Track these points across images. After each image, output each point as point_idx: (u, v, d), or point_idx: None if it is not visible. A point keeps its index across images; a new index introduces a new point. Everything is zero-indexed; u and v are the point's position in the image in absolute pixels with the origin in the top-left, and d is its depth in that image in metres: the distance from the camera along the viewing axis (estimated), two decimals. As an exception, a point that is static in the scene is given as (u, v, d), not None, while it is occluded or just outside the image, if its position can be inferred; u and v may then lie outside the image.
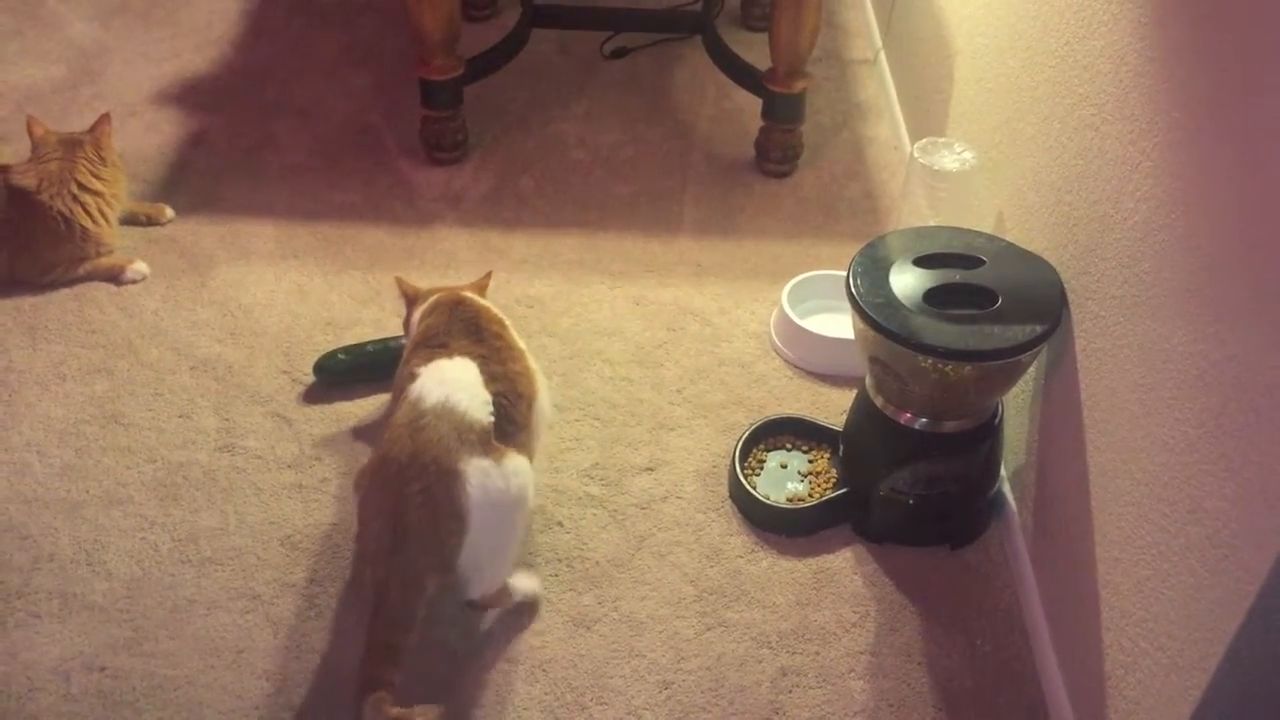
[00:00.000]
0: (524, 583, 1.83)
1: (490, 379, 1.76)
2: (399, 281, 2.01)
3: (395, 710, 1.54)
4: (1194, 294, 1.36)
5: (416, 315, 1.93)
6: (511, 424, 1.75)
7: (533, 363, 1.87)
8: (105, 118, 2.45)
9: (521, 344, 1.89)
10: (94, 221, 2.37)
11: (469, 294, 1.94)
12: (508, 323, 1.91)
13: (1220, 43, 1.33)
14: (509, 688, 1.75)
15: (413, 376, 1.75)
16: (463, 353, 1.79)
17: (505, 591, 1.79)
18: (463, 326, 1.85)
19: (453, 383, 1.72)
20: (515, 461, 1.71)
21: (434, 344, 1.82)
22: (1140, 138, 1.51)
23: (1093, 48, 1.67)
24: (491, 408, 1.72)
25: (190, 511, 1.97)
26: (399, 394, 1.78)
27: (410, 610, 1.63)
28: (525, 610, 1.84)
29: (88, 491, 2.00)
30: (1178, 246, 1.40)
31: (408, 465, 1.64)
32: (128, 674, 1.75)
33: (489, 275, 2.03)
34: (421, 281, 2.03)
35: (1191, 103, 1.39)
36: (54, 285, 2.38)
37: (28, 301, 2.35)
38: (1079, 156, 1.71)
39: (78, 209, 2.35)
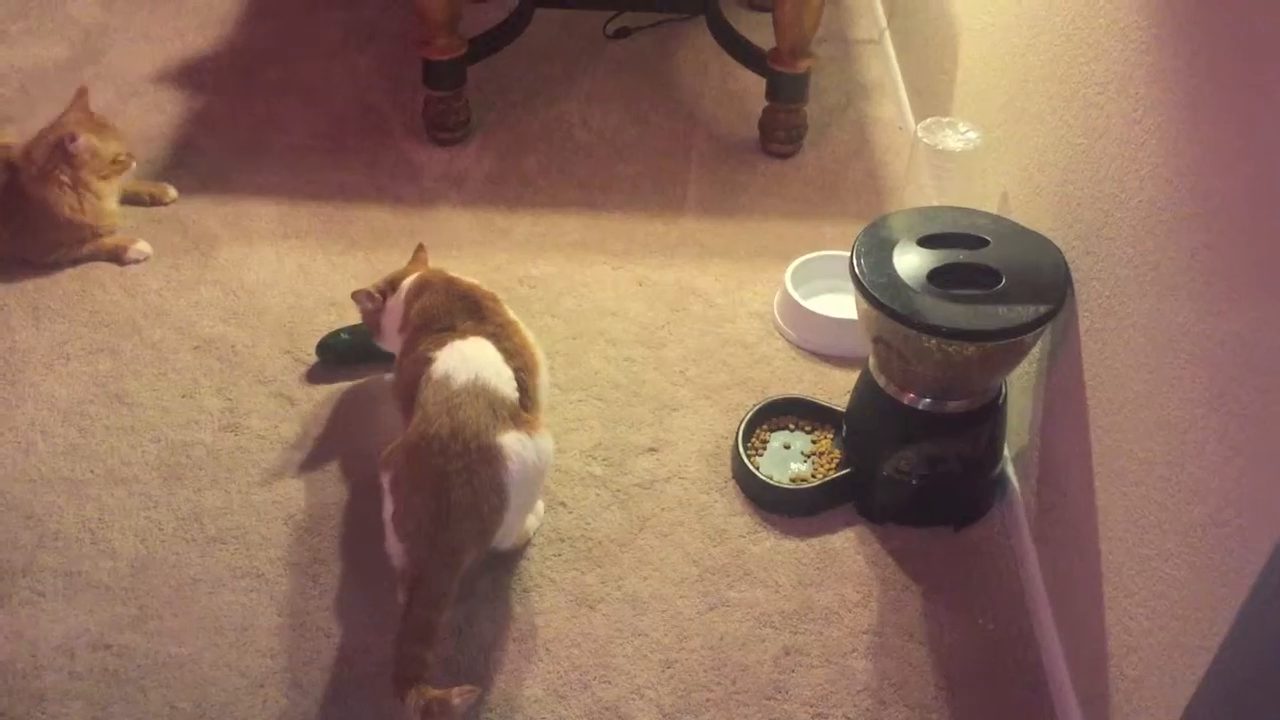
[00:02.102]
0: (533, 520, 1.90)
1: (507, 355, 1.80)
2: (357, 296, 2.00)
3: (433, 693, 1.55)
4: (1199, 273, 1.36)
5: (395, 304, 1.96)
6: (528, 398, 1.79)
7: (530, 335, 1.90)
8: (81, 91, 2.42)
9: (514, 317, 1.91)
10: (77, 209, 2.36)
11: (451, 274, 1.97)
12: (500, 297, 1.93)
13: (1226, 20, 1.32)
14: (511, 665, 1.75)
15: (428, 360, 1.77)
16: (473, 333, 1.82)
17: (523, 534, 1.88)
18: (462, 306, 1.88)
19: (477, 361, 1.76)
20: (543, 434, 1.77)
21: (439, 327, 1.84)
22: (1145, 116, 1.50)
23: (1098, 25, 1.66)
24: (515, 383, 1.77)
25: (194, 491, 1.98)
26: (411, 381, 1.80)
27: (448, 587, 1.65)
28: (529, 585, 1.85)
29: (92, 471, 2.00)
30: (1183, 225, 1.40)
31: (449, 443, 1.67)
32: (132, 652, 1.76)
33: (421, 247, 2.09)
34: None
35: (1197, 80, 1.38)
36: (57, 265, 2.38)
37: (31, 282, 2.35)
38: (1084, 135, 1.71)
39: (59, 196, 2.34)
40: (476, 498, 1.67)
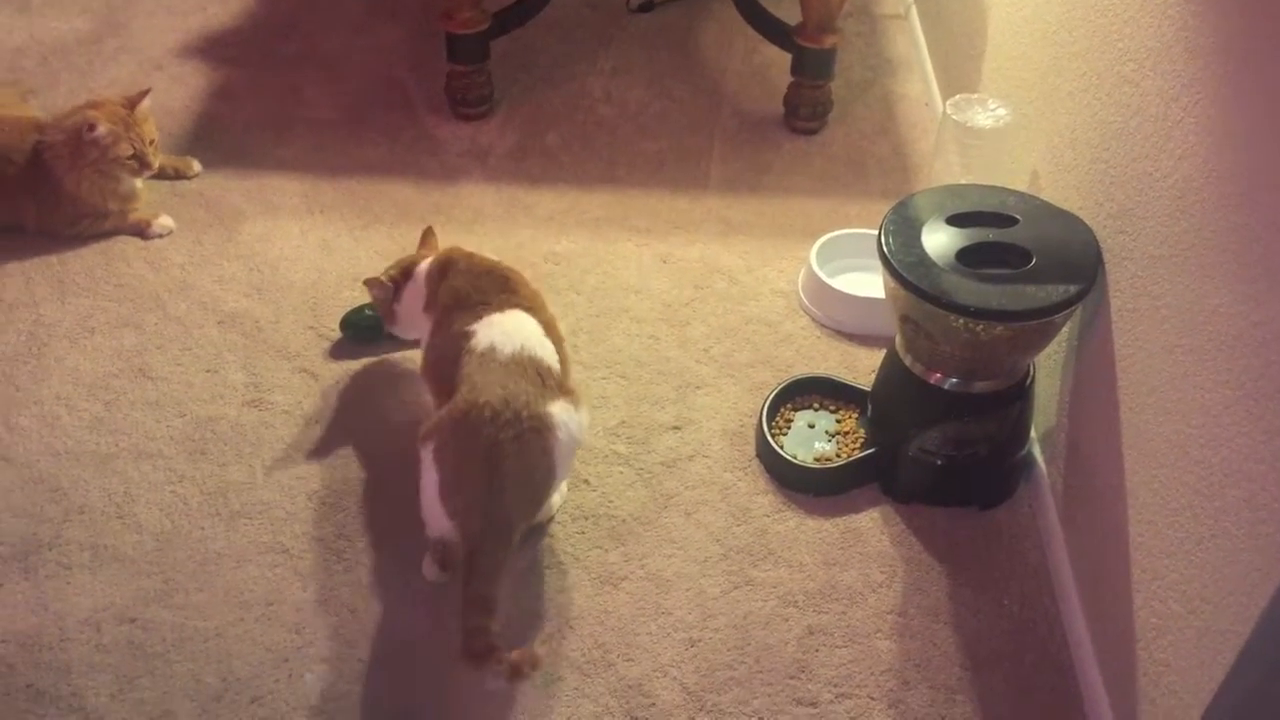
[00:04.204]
0: (555, 498, 1.89)
1: (548, 329, 1.82)
2: (369, 284, 1.99)
3: (514, 655, 1.56)
4: (1235, 254, 1.34)
5: (414, 288, 1.95)
6: (565, 369, 1.81)
7: (551, 309, 1.90)
8: (143, 92, 2.40)
9: (537, 289, 1.92)
10: (98, 191, 2.35)
11: (468, 250, 1.96)
12: (520, 271, 1.93)
13: (1269, -4, 1.30)
14: (536, 643, 1.75)
15: (468, 335, 1.77)
16: (509, 305, 1.82)
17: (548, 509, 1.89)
18: (490, 281, 1.87)
19: (520, 333, 1.77)
20: (583, 405, 1.79)
21: (473, 302, 1.83)
22: (1182, 94, 1.48)
23: (1133, 0, 1.64)
24: (557, 355, 1.79)
25: (219, 465, 1.98)
26: (450, 358, 1.78)
27: (503, 558, 1.66)
28: (552, 563, 1.85)
29: (117, 445, 2.01)
30: (1218, 206, 1.38)
31: (501, 411, 1.66)
32: (158, 625, 1.76)
33: (430, 229, 2.09)
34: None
35: (1235, 58, 1.36)
36: (82, 238, 2.38)
37: (55, 256, 2.36)
38: (1118, 113, 1.68)
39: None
40: (530, 467, 1.68)
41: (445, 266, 1.93)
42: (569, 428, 1.73)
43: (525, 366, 1.73)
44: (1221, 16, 1.40)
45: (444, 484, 1.69)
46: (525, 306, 1.83)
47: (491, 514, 1.65)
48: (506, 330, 1.77)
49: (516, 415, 1.67)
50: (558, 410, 1.72)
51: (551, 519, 1.90)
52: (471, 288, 1.86)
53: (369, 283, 2.00)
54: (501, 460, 1.65)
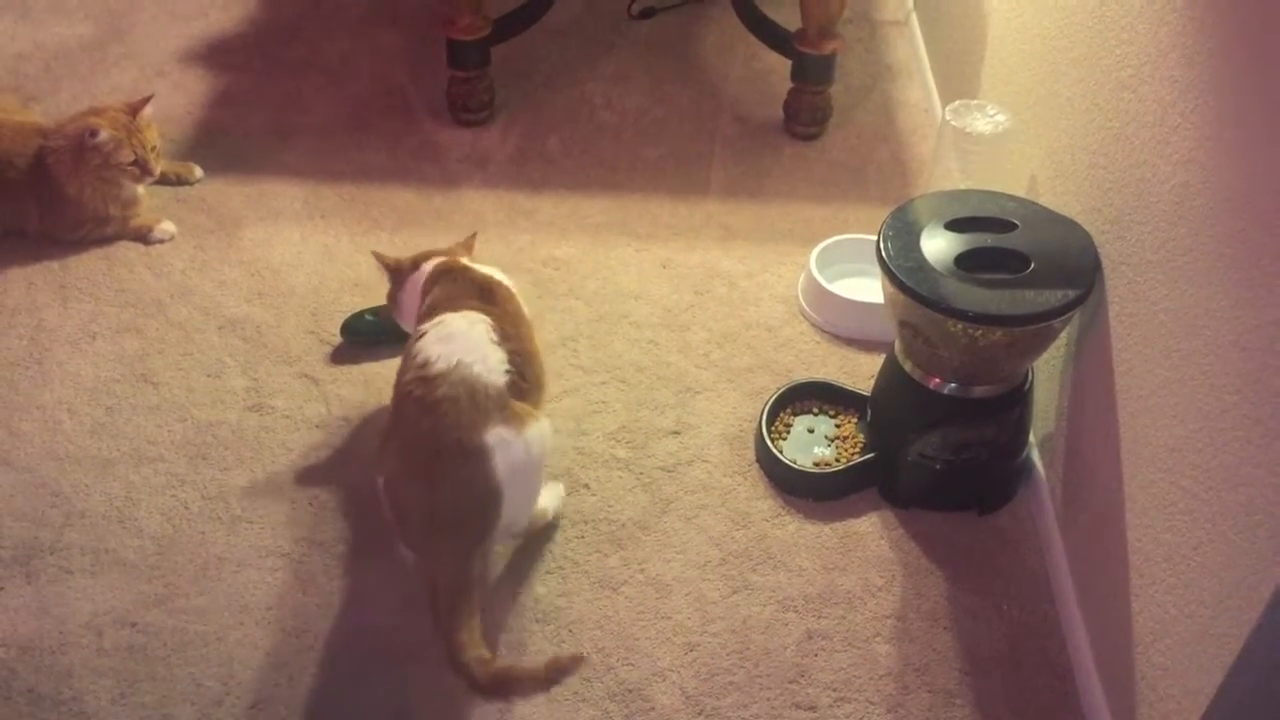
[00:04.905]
0: (550, 500, 1.86)
1: (504, 338, 1.73)
2: (378, 256, 1.96)
3: (497, 666, 1.56)
4: (1232, 259, 1.34)
5: (413, 288, 1.91)
6: (525, 381, 1.74)
7: (533, 332, 1.85)
8: (145, 98, 2.42)
9: (524, 309, 1.86)
10: (99, 197, 2.36)
11: (470, 262, 1.91)
12: (515, 288, 1.88)
13: (1262, 2, 1.30)
14: (535, 647, 1.75)
15: (413, 341, 1.72)
16: (471, 309, 1.75)
17: (539, 514, 1.84)
18: (471, 290, 1.83)
19: (460, 340, 1.69)
20: (534, 428, 1.69)
21: (440, 310, 1.78)
22: (1179, 100, 1.49)
23: (1131, 7, 1.64)
24: (508, 365, 1.70)
25: (220, 470, 1.99)
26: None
27: (466, 584, 1.62)
28: (551, 567, 1.85)
29: (118, 449, 2.01)
30: (1216, 211, 1.38)
31: (432, 449, 1.62)
32: (159, 630, 1.77)
33: (474, 236, 2.02)
34: (447, 243, 2.03)
35: (1234, 63, 1.36)
36: (83, 243, 2.39)
37: (57, 261, 2.36)
38: (1115, 119, 1.69)
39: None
40: (467, 499, 1.63)
41: (442, 274, 1.89)
42: (510, 455, 1.63)
43: (457, 386, 1.63)
44: (1219, 23, 1.40)
45: (393, 520, 1.69)
46: (495, 314, 1.76)
47: (439, 551, 1.64)
48: (448, 335, 1.70)
49: (449, 452, 1.61)
50: (493, 439, 1.62)
51: (551, 524, 1.89)
52: (450, 295, 1.81)
53: (378, 256, 1.95)
54: (439, 500, 1.62)
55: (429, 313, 1.80)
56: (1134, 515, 1.58)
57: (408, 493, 1.65)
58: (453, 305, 1.78)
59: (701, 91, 2.86)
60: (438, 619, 1.62)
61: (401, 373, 1.74)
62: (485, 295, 1.82)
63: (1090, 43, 1.79)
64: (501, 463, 1.63)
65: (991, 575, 1.86)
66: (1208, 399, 1.38)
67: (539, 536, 1.88)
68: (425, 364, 1.66)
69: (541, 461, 1.73)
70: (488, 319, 1.74)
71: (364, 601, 1.81)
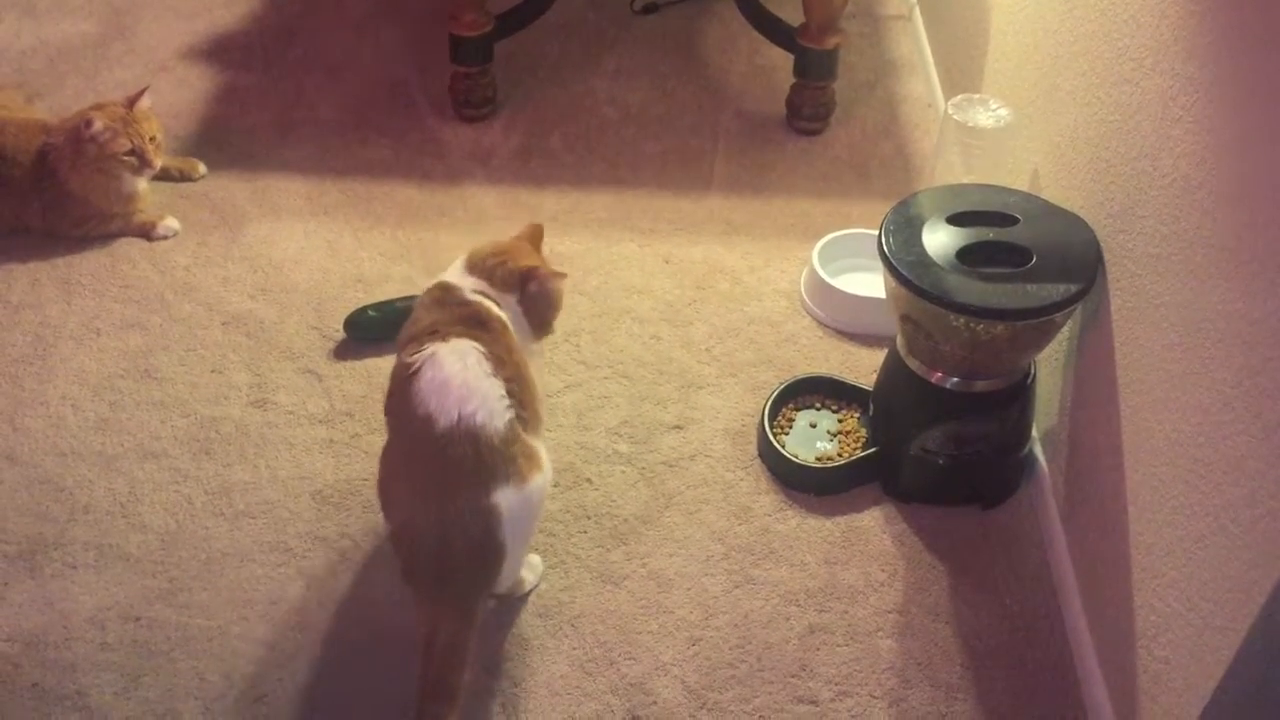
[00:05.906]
0: (531, 573, 1.82)
1: (498, 365, 1.63)
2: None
3: None
4: (1234, 252, 1.34)
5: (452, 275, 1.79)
6: (525, 410, 1.66)
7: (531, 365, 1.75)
8: (141, 91, 2.41)
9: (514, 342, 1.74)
10: (102, 191, 2.37)
11: (468, 293, 1.76)
12: (508, 322, 1.74)
13: (1266, -6, 1.30)
14: (538, 642, 1.76)
15: (412, 376, 1.62)
16: (461, 336, 1.65)
17: (519, 583, 1.80)
18: (463, 314, 1.71)
19: (456, 387, 1.59)
20: (535, 480, 1.64)
21: (427, 331, 1.68)
22: (1181, 93, 1.48)
23: (1134, 0, 1.64)
24: (508, 399, 1.62)
25: (223, 465, 1.99)
26: (392, 390, 1.70)
27: (465, 644, 1.59)
28: (554, 562, 1.85)
29: (122, 445, 2.02)
30: (1218, 205, 1.38)
31: (440, 511, 1.58)
32: (162, 624, 1.77)
33: (540, 227, 1.88)
34: (450, 239, 2.02)
35: (1234, 57, 1.36)
36: (87, 239, 2.40)
37: (61, 257, 2.37)
38: (1117, 112, 1.69)
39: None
40: (475, 557, 1.60)
41: (433, 299, 1.76)
42: (515, 513, 1.60)
43: (462, 443, 1.57)
44: (1220, 16, 1.40)
45: (402, 565, 1.66)
46: (486, 340, 1.65)
47: (445, 599, 1.61)
48: (443, 384, 1.59)
49: (460, 513, 1.57)
50: (501, 500, 1.58)
51: (524, 595, 1.82)
52: (439, 319, 1.69)
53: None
54: (450, 554, 1.58)
55: (409, 340, 1.69)
56: (1136, 509, 1.58)
57: (417, 548, 1.62)
58: (445, 328, 1.67)
59: (704, 87, 2.85)
60: (424, 671, 1.57)
61: (398, 409, 1.66)
62: (477, 323, 1.69)
63: (1092, 37, 1.79)
64: (509, 523, 1.60)
65: (993, 569, 1.86)
66: (1210, 392, 1.38)
67: (541, 531, 1.88)
68: (428, 419, 1.59)
69: (539, 511, 1.70)
70: (479, 346, 1.64)
71: (366, 596, 1.81)
